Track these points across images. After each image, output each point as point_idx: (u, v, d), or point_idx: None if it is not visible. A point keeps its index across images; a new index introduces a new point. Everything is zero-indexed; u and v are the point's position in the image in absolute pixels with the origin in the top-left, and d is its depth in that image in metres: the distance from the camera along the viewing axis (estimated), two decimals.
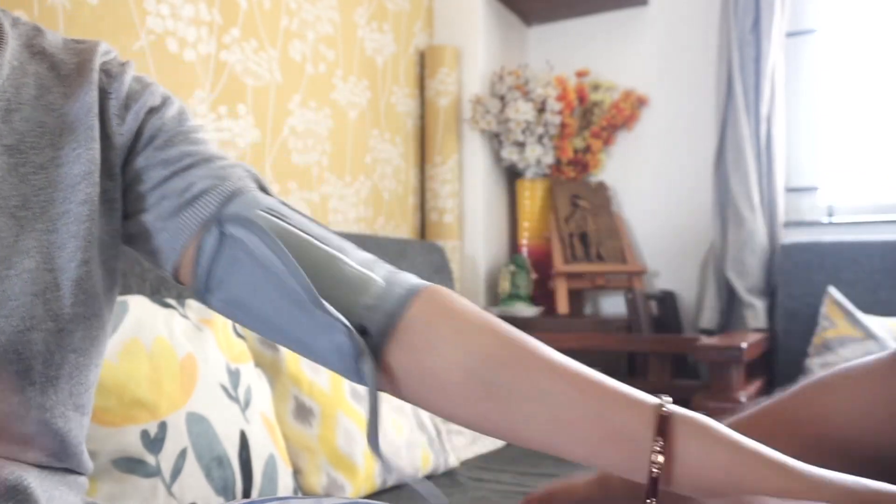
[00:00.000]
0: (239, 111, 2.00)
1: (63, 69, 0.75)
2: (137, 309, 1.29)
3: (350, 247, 0.72)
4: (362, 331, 0.66)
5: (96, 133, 0.73)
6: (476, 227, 2.87)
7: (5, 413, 0.66)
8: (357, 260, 0.69)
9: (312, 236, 0.70)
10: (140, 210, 0.76)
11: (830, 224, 2.74)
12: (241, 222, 0.69)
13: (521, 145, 2.86)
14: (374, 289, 0.66)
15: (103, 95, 0.75)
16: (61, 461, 0.74)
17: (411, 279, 0.69)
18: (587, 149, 3.01)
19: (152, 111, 0.77)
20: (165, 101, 0.79)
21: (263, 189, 0.76)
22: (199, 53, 1.87)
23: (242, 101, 2.02)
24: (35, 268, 0.67)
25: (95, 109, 0.74)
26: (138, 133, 0.76)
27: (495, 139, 2.91)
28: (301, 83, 2.24)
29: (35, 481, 0.69)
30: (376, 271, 0.69)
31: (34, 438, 0.70)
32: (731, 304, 2.75)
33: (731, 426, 0.64)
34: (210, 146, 0.78)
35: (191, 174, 0.74)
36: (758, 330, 2.59)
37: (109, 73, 0.77)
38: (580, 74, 3.06)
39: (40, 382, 0.68)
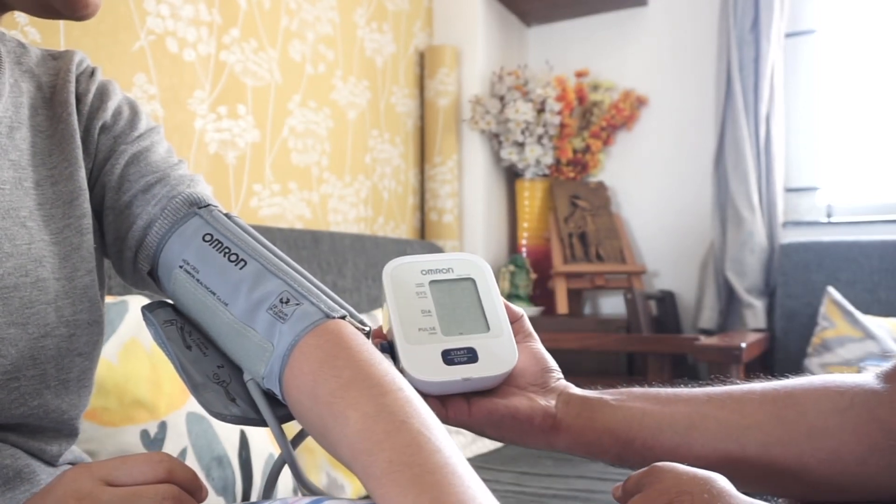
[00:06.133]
0: (239, 111, 2.00)
1: (45, 90, 0.78)
2: (137, 309, 1.29)
3: (268, 279, 0.70)
4: (273, 394, 0.69)
5: (80, 153, 0.76)
6: (475, 227, 2.87)
7: (25, 416, 0.70)
8: (268, 304, 0.68)
9: (220, 295, 0.70)
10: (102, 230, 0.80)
11: (829, 224, 2.74)
12: (144, 314, 0.73)
13: (520, 145, 2.86)
14: (265, 355, 0.67)
15: (78, 119, 0.78)
16: (71, 455, 0.79)
17: (297, 326, 0.67)
18: (587, 149, 3.01)
19: (104, 129, 0.79)
20: (116, 117, 0.81)
21: (196, 203, 0.76)
22: (199, 54, 1.87)
23: (242, 101, 2.01)
24: (47, 277, 0.70)
25: (78, 133, 0.77)
26: (95, 156, 0.79)
27: (495, 139, 2.91)
28: (301, 83, 2.24)
29: (48, 479, 0.72)
30: (278, 322, 0.67)
31: (47, 433, 0.74)
32: (730, 304, 2.75)
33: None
34: (153, 157, 0.79)
35: (128, 217, 0.77)
36: (757, 330, 2.59)
37: (78, 95, 0.79)
38: (580, 75, 3.06)
39: (54, 386, 0.71)
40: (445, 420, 0.73)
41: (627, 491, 0.66)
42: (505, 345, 0.75)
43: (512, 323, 0.79)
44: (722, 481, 0.61)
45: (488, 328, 0.76)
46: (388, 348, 0.74)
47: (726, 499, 0.60)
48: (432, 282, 0.77)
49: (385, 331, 0.78)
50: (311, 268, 1.95)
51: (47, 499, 0.56)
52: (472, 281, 0.79)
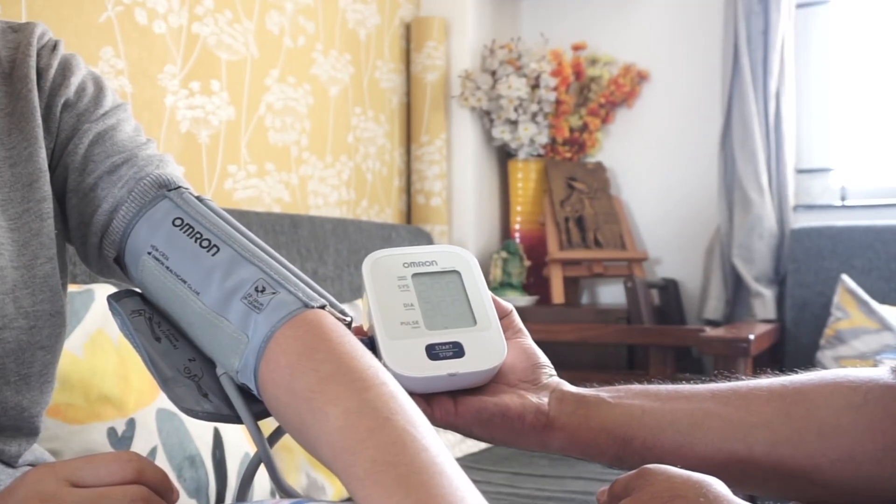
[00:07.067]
0: (212, 87, 1.99)
1: (4, 65, 0.77)
2: (103, 298, 1.28)
3: (242, 266, 0.70)
4: (248, 389, 0.68)
5: (41, 132, 0.76)
6: (465, 210, 2.87)
7: None
8: (243, 292, 0.68)
9: (192, 283, 0.70)
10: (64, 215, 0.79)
11: (844, 207, 2.74)
12: (110, 303, 0.74)
13: (513, 124, 2.86)
14: (240, 347, 0.67)
15: (39, 95, 0.77)
16: (32, 455, 0.79)
17: (273, 316, 0.66)
18: (584, 127, 3.01)
19: (67, 106, 0.79)
20: (80, 93, 0.80)
21: (165, 185, 0.75)
22: (169, 25, 1.86)
23: (216, 76, 2.01)
24: (5, 265, 0.70)
25: (39, 110, 0.76)
26: (57, 135, 0.78)
27: (486, 117, 2.90)
28: (279, 57, 2.23)
29: (8, 481, 0.72)
30: (254, 312, 0.67)
31: (5, 432, 0.74)
32: (737, 293, 2.75)
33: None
34: (119, 136, 0.79)
35: (92, 200, 0.76)
36: (766, 321, 2.60)
37: (39, 70, 0.78)
38: (577, 48, 3.06)
39: (14, 381, 0.71)
40: (431, 420, 0.74)
41: (614, 494, 0.66)
42: (493, 338, 0.76)
43: (501, 318, 0.79)
44: (718, 485, 0.61)
45: (475, 322, 0.76)
46: (369, 345, 0.74)
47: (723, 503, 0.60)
48: (415, 275, 0.78)
49: (366, 328, 0.78)
50: (290, 254, 1.95)
51: (8, 501, 0.56)
52: (458, 273, 0.79)
